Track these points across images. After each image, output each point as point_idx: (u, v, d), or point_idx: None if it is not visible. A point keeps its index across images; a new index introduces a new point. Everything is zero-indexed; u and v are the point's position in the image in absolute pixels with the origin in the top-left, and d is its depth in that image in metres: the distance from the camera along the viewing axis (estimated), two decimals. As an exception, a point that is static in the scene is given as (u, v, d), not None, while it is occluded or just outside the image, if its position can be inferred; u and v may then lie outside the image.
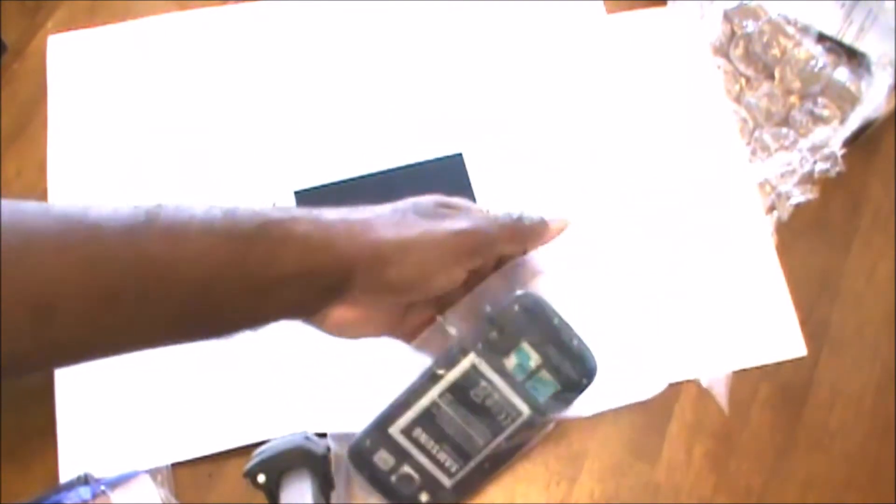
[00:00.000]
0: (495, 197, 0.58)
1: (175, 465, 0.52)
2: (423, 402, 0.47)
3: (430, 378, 0.48)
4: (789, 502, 0.53)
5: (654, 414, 0.55)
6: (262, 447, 0.50)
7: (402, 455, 0.47)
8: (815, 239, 0.59)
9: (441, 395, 0.48)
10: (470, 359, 0.48)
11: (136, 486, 0.51)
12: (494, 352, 0.48)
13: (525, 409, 0.48)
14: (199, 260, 0.39)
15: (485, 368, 0.48)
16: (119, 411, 0.54)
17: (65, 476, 0.52)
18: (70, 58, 0.63)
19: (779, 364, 0.55)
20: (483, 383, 0.47)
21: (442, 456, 0.48)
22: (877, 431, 0.54)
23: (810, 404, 0.55)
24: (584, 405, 0.51)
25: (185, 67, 0.63)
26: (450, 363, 0.48)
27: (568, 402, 0.48)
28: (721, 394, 0.54)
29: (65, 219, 0.37)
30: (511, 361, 0.48)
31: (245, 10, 0.65)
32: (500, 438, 0.48)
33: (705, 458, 0.54)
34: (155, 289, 0.39)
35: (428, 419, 0.47)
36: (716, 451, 0.54)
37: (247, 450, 0.51)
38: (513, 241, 0.46)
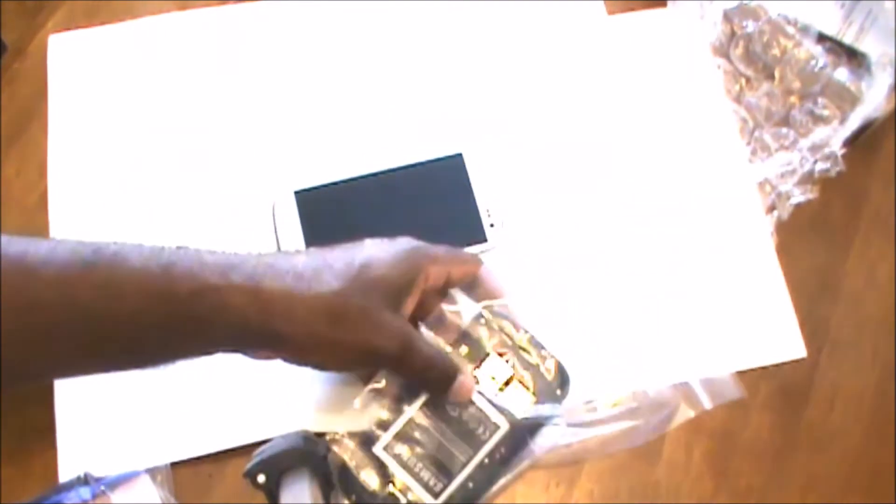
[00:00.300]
0: (495, 196, 0.58)
1: (175, 465, 0.52)
2: (403, 417, 0.48)
3: (407, 393, 0.48)
4: (789, 502, 0.53)
5: (654, 414, 0.54)
6: (262, 447, 0.50)
7: (386, 474, 0.48)
8: (815, 239, 0.59)
9: (419, 410, 0.48)
10: None
11: (136, 486, 0.51)
12: (466, 364, 0.49)
13: (502, 422, 0.48)
14: (132, 318, 0.40)
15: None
16: (119, 411, 0.54)
17: (64, 476, 0.52)
18: (71, 57, 0.63)
19: (779, 364, 0.55)
20: None
21: (425, 474, 0.48)
22: (877, 431, 0.54)
23: (810, 404, 0.55)
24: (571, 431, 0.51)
25: (186, 67, 0.63)
26: None
27: (546, 416, 0.49)
28: (732, 392, 0.54)
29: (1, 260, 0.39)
30: (482, 374, 0.49)
31: (245, 10, 0.65)
32: (482, 455, 0.48)
33: (705, 458, 0.53)
34: (87, 336, 0.40)
35: (408, 435, 0.48)
36: (716, 451, 0.54)
37: (247, 450, 0.51)
38: (409, 374, 0.48)
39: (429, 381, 0.48)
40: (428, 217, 0.57)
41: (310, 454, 0.49)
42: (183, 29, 0.64)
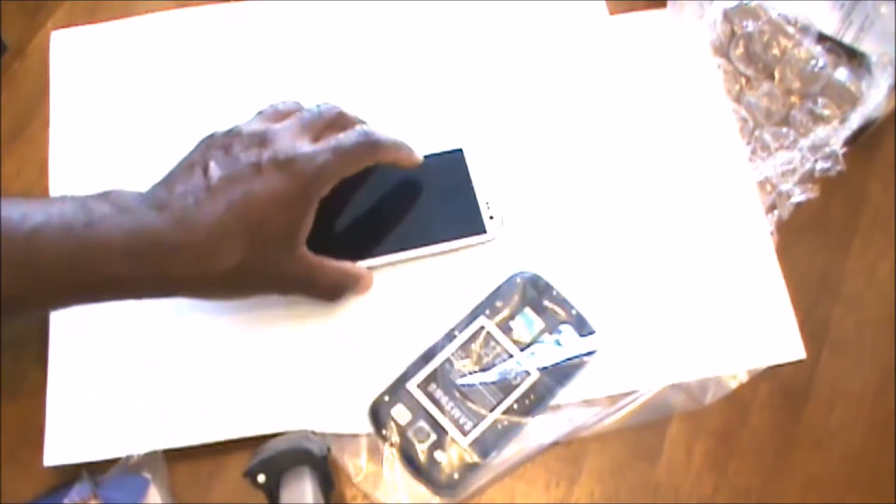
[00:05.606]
0: (496, 193, 0.58)
1: (175, 465, 0.52)
2: (438, 359, 0.52)
3: (444, 338, 0.53)
4: (789, 502, 0.53)
5: (653, 414, 0.54)
6: (263, 447, 0.50)
7: (418, 409, 0.51)
8: (816, 239, 0.59)
9: (454, 354, 0.53)
10: (479, 321, 0.53)
11: (135, 486, 0.51)
12: (500, 316, 0.54)
13: (533, 370, 0.52)
14: (43, 297, 0.46)
15: (493, 330, 0.53)
16: (115, 399, 0.54)
17: (49, 459, 0.52)
18: (73, 53, 0.63)
19: (779, 365, 0.55)
20: (492, 343, 0.53)
21: (456, 413, 0.51)
22: (877, 431, 0.54)
23: (810, 404, 0.55)
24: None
25: (188, 65, 0.63)
26: (462, 325, 0.53)
27: (573, 369, 0.53)
28: (724, 390, 0.54)
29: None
30: (516, 325, 0.54)
31: (248, 8, 0.65)
32: (512, 399, 0.52)
33: (705, 458, 0.53)
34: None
35: (442, 375, 0.52)
36: (716, 451, 0.54)
37: (247, 449, 0.51)
38: (316, 297, 0.54)
39: (336, 295, 0.53)
40: (427, 209, 0.58)
41: (310, 454, 0.49)
42: (186, 26, 0.65)
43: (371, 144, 0.50)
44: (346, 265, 0.53)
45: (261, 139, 0.48)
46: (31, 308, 0.47)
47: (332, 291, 0.53)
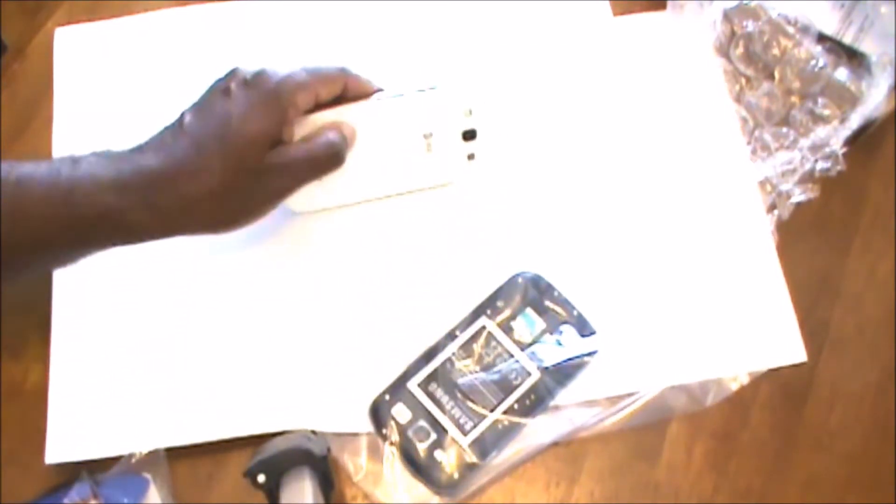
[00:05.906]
0: (496, 192, 0.58)
1: (175, 465, 0.52)
2: (439, 358, 0.53)
3: (446, 337, 0.53)
4: (789, 502, 0.53)
5: (654, 414, 0.54)
6: (263, 447, 0.50)
7: (418, 409, 0.51)
8: (816, 239, 0.59)
9: (455, 353, 0.53)
10: (480, 321, 0.54)
11: (135, 486, 0.51)
12: (502, 316, 0.54)
13: (533, 370, 0.52)
14: (36, 242, 0.47)
15: (494, 330, 0.53)
16: (116, 397, 0.54)
17: (51, 457, 0.52)
18: (77, 50, 0.64)
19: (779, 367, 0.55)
20: (493, 343, 0.53)
21: (457, 412, 0.51)
22: (877, 431, 0.54)
23: (810, 404, 0.55)
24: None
25: (192, 63, 0.63)
26: (464, 325, 0.53)
27: (574, 369, 0.53)
28: (724, 391, 0.54)
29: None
30: (518, 325, 0.54)
31: (252, 6, 0.65)
32: (513, 399, 0.52)
33: (705, 458, 0.53)
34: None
35: (443, 375, 0.52)
36: (716, 451, 0.54)
37: (247, 449, 0.51)
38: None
39: (339, 156, 0.52)
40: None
41: (310, 454, 0.49)
42: (189, 25, 0.65)
43: (344, 70, 0.52)
44: (324, 132, 0.52)
45: (232, 72, 0.50)
46: (25, 256, 0.47)
47: (330, 154, 0.52)
